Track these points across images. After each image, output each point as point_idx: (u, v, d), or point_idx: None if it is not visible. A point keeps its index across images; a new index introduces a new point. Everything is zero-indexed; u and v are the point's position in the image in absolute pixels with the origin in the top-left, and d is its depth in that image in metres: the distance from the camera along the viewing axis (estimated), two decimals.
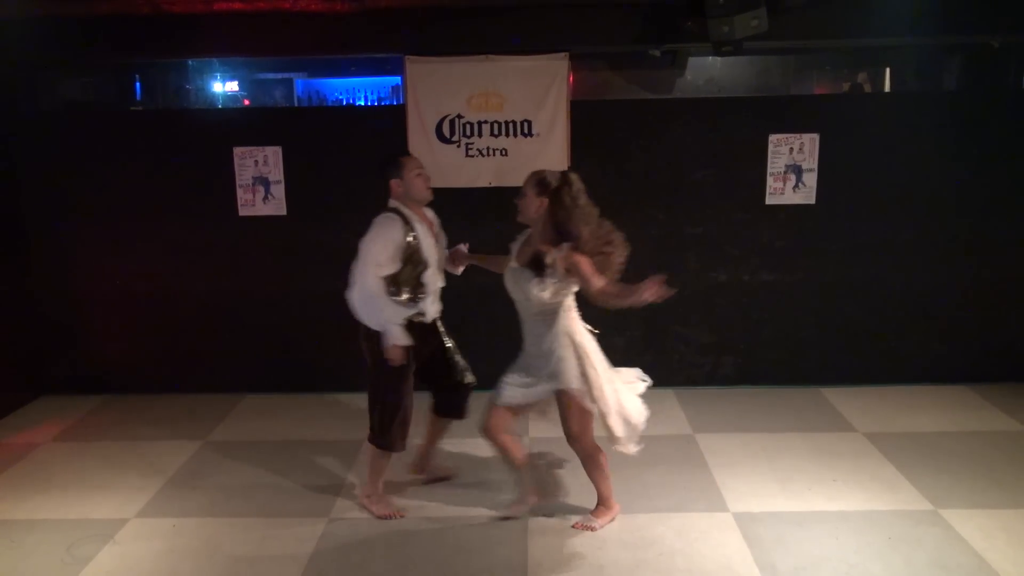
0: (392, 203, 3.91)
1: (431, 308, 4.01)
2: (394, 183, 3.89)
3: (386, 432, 4.00)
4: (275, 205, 5.49)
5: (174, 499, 4.27)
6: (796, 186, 5.45)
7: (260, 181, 5.47)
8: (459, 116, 5.38)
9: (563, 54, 5.27)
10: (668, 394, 5.61)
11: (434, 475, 4.44)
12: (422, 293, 3.94)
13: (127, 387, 5.80)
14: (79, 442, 5.05)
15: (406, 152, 3.90)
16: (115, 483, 4.45)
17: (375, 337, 3.86)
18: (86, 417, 5.45)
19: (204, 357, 5.78)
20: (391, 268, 3.82)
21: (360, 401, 5.46)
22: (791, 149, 5.41)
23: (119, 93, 6.69)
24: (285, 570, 3.61)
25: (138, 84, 6.81)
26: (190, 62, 6.94)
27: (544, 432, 4.93)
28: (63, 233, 5.61)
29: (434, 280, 3.99)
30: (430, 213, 4.06)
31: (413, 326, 3.93)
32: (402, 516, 4.07)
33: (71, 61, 5.76)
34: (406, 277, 3.86)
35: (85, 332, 5.76)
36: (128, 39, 5.21)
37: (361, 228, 3.87)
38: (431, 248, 3.94)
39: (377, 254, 3.78)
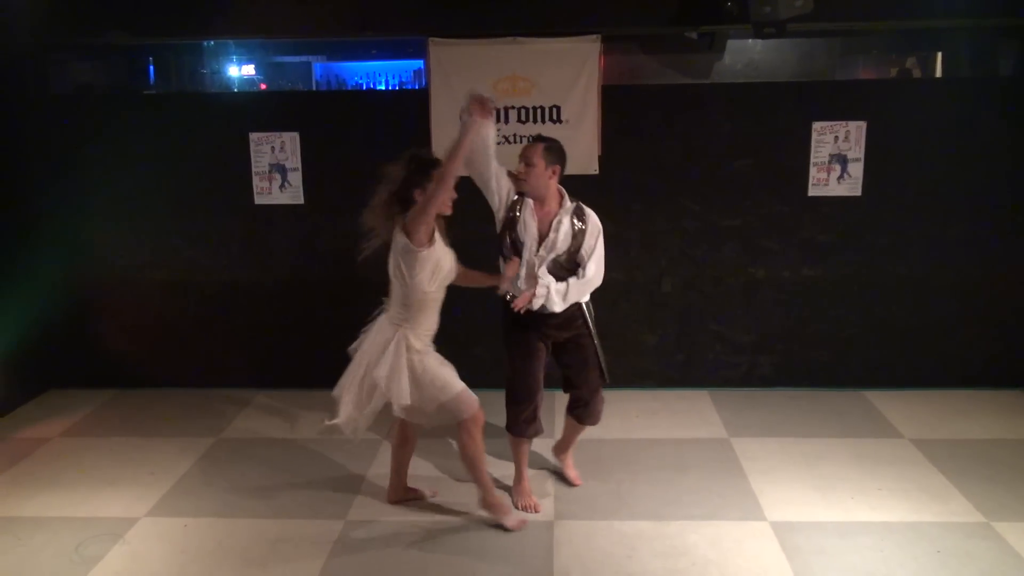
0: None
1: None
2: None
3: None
4: (292, 193, 5.42)
5: (185, 498, 4.23)
6: (841, 177, 5.31)
7: (277, 168, 5.40)
8: None
9: (595, 36, 5.15)
10: (702, 395, 5.51)
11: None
12: None
13: (138, 381, 5.75)
14: (89, 438, 5.03)
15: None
16: (125, 480, 4.42)
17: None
18: (96, 412, 5.43)
19: (217, 351, 5.73)
20: None
21: None
22: (836, 137, 5.27)
23: (132, 76, 6.67)
24: (299, 574, 3.54)
25: (152, 67, 6.79)
26: (205, 45, 6.89)
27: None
28: (74, 221, 5.57)
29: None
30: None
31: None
32: (537, 511, 4.02)
33: (83, 42, 5.71)
34: None
35: (96, 324, 5.72)
36: (142, 19, 5.17)
37: None
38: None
39: None
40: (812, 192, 5.33)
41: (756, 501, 4.10)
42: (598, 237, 3.86)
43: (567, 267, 3.84)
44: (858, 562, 3.57)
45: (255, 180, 5.42)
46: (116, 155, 5.45)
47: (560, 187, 3.89)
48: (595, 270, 3.86)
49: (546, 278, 3.77)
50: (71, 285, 5.62)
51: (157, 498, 4.20)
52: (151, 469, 4.52)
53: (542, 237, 3.82)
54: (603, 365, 4.07)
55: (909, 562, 3.56)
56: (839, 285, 5.46)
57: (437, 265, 3.60)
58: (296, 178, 5.39)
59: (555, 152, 3.81)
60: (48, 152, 5.48)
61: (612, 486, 4.27)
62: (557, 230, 3.81)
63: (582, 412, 4.12)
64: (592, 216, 3.88)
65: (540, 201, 3.84)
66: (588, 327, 4.00)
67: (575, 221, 3.83)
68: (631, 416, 5.16)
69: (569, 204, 3.86)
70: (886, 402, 5.32)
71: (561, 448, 4.38)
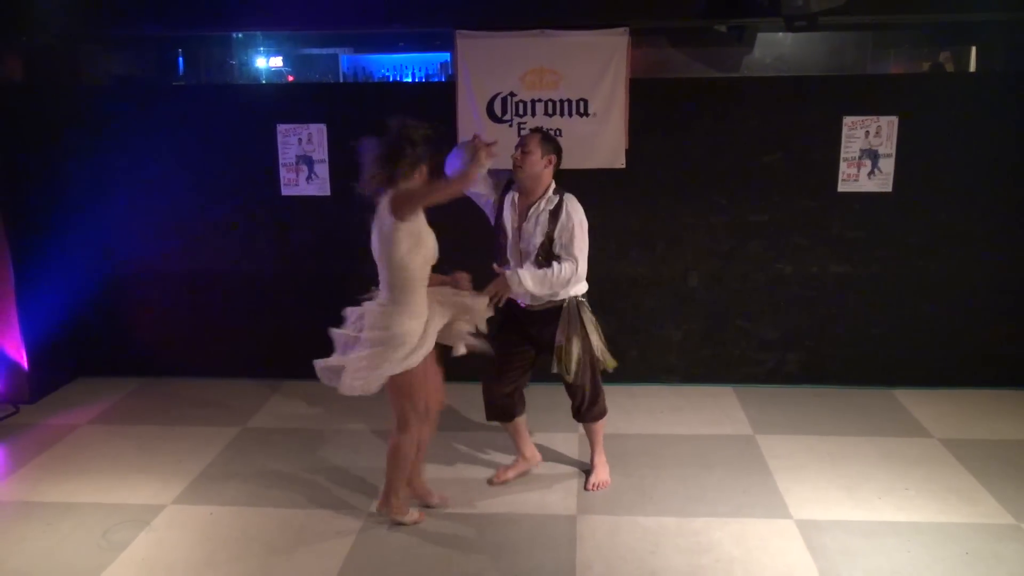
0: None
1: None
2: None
3: None
4: (319, 185, 5.41)
5: (211, 486, 4.25)
6: (871, 172, 5.22)
7: (304, 160, 5.39)
8: (512, 94, 5.22)
9: (623, 29, 5.09)
10: (727, 392, 5.46)
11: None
12: None
13: (165, 370, 5.79)
14: (116, 425, 5.06)
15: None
16: (152, 468, 4.44)
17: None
18: (124, 400, 5.46)
19: (244, 341, 5.74)
20: None
21: None
22: (867, 132, 5.18)
23: (161, 68, 6.68)
24: (323, 564, 3.56)
25: (181, 59, 6.80)
26: (234, 36, 6.90)
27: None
28: (102, 211, 5.60)
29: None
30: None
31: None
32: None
33: (114, 34, 5.72)
34: None
35: (123, 313, 5.76)
36: (172, 11, 5.17)
37: None
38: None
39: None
40: (842, 188, 5.25)
41: (781, 499, 4.06)
42: (574, 230, 3.78)
43: (552, 259, 3.82)
44: (884, 562, 3.52)
45: (282, 171, 5.42)
46: (145, 146, 5.47)
47: (553, 181, 3.89)
48: (568, 267, 3.76)
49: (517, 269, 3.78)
50: (99, 274, 5.66)
51: (184, 486, 4.23)
52: (178, 457, 4.55)
53: (520, 227, 3.86)
54: (594, 362, 4.02)
55: (936, 563, 3.51)
56: (868, 282, 5.38)
57: (419, 239, 3.52)
58: (323, 170, 5.38)
59: (552, 143, 3.86)
60: (78, 143, 5.51)
61: (636, 481, 4.25)
62: (531, 219, 3.82)
63: (573, 412, 4.18)
64: (572, 207, 3.81)
65: (526, 192, 3.86)
66: (573, 331, 3.92)
67: (552, 210, 3.81)
68: (656, 412, 5.12)
69: (552, 195, 3.84)
70: (915, 401, 5.24)
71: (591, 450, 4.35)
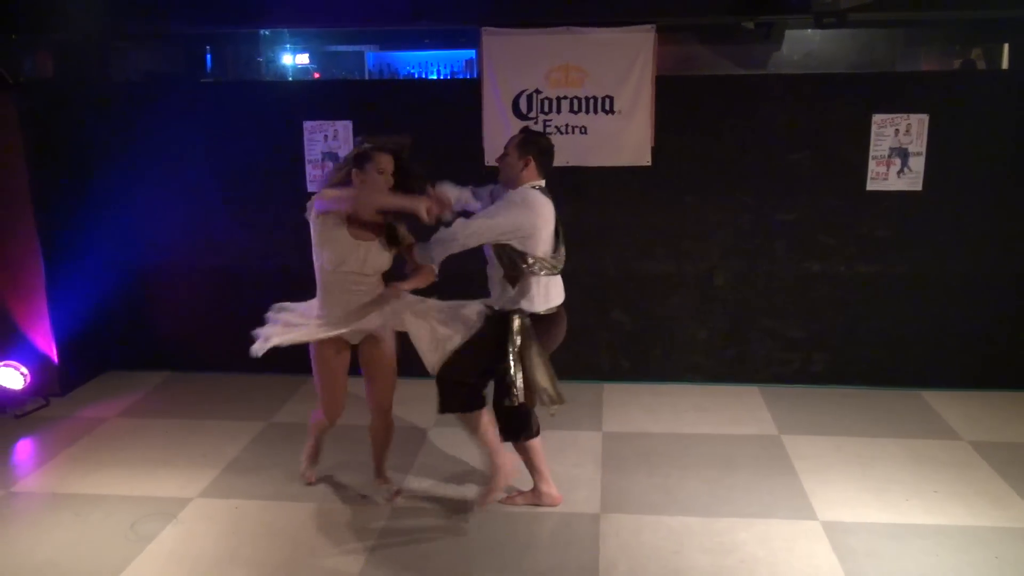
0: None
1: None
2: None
3: None
4: None
5: (237, 480, 4.27)
6: (901, 171, 5.15)
7: (329, 156, 5.40)
8: (537, 91, 5.21)
9: (649, 26, 5.07)
10: (752, 391, 5.41)
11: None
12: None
13: (193, 365, 5.84)
14: (144, 419, 5.11)
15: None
16: (179, 461, 4.48)
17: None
18: (151, 394, 5.52)
19: None
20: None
21: (421, 386, 5.40)
22: (897, 131, 5.11)
23: (189, 65, 6.76)
24: (347, 558, 3.57)
25: (208, 56, 6.86)
26: (261, 33, 6.96)
27: (615, 427, 4.78)
28: (131, 207, 5.65)
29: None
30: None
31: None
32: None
33: (142, 32, 5.79)
34: None
35: (151, 308, 5.82)
36: (200, 9, 5.22)
37: None
38: None
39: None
40: (871, 186, 5.18)
41: (807, 500, 4.02)
42: (497, 206, 3.63)
43: (508, 257, 3.65)
44: (912, 566, 3.48)
45: (308, 168, 5.44)
46: (172, 142, 5.52)
47: (540, 182, 3.72)
48: (458, 224, 3.57)
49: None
50: (128, 270, 5.71)
51: (210, 479, 4.25)
52: (204, 451, 4.58)
53: None
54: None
55: (965, 568, 3.46)
56: (897, 282, 5.32)
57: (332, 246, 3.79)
58: None
59: (530, 145, 3.69)
60: (107, 139, 5.55)
61: (660, 480, 4.22)
62: None
63: None
64: (519, 194, 3.65)
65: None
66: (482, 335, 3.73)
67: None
68: (681, 411, 5.09)
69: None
70: (944, 403, 5.18)
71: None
